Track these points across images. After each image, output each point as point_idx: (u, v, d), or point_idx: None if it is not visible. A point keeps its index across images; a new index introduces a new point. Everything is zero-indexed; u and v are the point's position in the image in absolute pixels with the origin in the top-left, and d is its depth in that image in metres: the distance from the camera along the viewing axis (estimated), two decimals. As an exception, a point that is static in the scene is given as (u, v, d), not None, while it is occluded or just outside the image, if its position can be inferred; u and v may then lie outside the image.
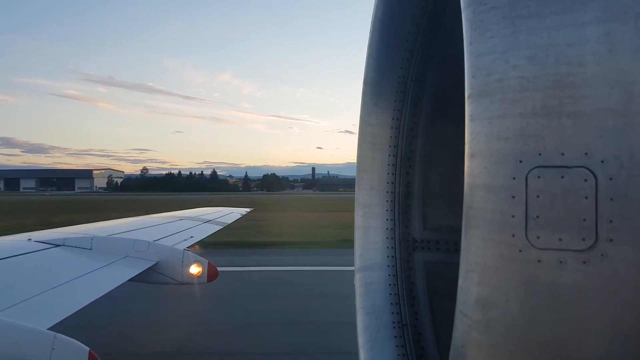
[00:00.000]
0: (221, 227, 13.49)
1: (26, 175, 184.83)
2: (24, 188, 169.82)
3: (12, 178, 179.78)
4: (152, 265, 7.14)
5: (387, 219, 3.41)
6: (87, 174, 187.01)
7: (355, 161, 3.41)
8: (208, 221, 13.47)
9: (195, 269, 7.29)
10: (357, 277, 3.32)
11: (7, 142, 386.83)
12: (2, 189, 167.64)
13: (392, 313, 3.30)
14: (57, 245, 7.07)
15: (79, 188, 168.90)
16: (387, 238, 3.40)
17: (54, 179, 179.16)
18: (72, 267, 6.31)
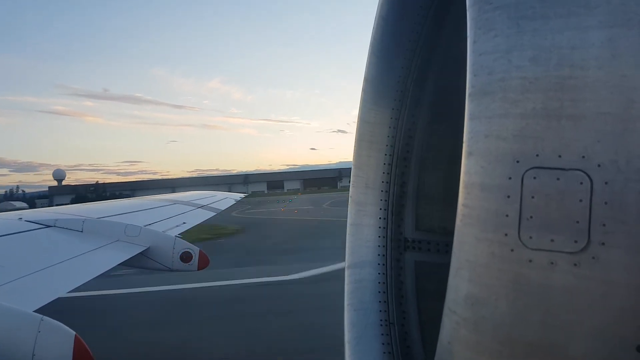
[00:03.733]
0: (215, 214, 13.46)
1: (289, 177, 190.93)
2: (287, 189, 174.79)
3: (275, 180, 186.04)
4: (143, 251, 7.14)
5: (380, 218, 3.41)
6: (347, 173, 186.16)
7: (346, 160, 3.40)
8: (202, 206, 13.43)
9: (186, 256, 7.30)
10: (347, 274, 3.33)
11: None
12: (266, 191, 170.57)
13: (380, 311, 3.31)
14: (48, 226, 7.04)
15: (341, 186, 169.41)
16: (379, 237, 3.40)
17: (318, 179, 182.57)
18: (62, 249, 6.29)
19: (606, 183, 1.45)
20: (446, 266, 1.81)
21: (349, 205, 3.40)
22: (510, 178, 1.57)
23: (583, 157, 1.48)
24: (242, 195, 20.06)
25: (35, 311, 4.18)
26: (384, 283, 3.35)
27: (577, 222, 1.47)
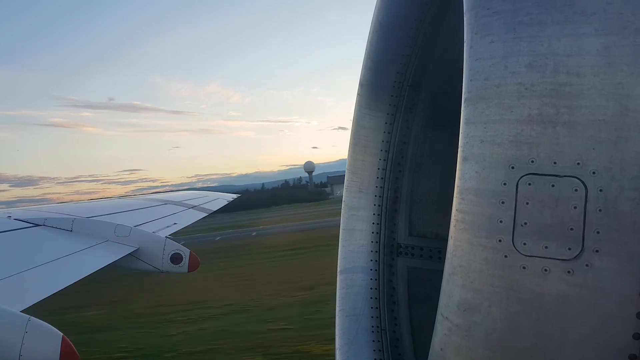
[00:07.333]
0: (206, 214, 13.36)
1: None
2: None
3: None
4: (133, 252, 7.06)
5: (373, 223, 3.40)
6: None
7: (346, 158, 3.39)
8: (193, 207, 13.32)
9: (176, 258, 7.22)
10: (339, 279, 3.31)
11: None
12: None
13: (372, 317, 3.30)
14: (37, 225, 6.95)
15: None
16: (372, 242, 3.39)
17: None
18: (51, 248, 6.21)
19: (600, 190, 1.45)
20: (438, 273, 1.81)
21: (342, 210, 3.39)
22: (505, 184, 1.58)
23: (578, 164, 1.48)
24: (235, 196, 19.91)
25: (22, 311, 4.12)
26: (376, 289, 3.34)
27: (571, 229, 1.47)
